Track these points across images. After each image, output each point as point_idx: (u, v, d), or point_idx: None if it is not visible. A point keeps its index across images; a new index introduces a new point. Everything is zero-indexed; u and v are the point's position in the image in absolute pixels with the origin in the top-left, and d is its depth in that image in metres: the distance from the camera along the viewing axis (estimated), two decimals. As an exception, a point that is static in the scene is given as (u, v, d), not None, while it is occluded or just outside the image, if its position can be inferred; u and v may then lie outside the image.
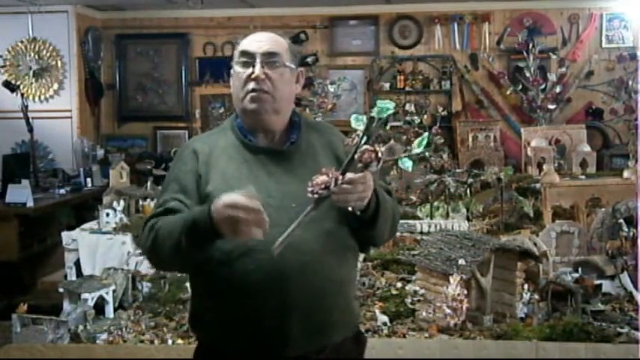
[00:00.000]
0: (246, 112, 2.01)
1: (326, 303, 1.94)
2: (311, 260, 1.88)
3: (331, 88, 5.71)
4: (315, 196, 1.75)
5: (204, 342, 2.07)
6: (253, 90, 1.98)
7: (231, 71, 2.07)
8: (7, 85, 6.55)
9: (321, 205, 1.77)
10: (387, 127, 6.74)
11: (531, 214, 4.67)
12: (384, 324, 3.18)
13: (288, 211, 1.88)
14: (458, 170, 5.46)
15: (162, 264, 2.06)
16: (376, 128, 1.78)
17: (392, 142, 5.35)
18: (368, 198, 1.85)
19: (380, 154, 1.76)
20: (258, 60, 1.98)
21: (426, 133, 1.97)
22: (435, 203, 4.90)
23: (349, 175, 1.77)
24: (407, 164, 1.80)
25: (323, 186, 1.75)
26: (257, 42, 2.02)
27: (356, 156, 1.77)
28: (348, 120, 1.84)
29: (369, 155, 1.76)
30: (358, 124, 1.79)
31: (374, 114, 1.77)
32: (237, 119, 2.09)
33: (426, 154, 5.56)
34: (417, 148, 1.82)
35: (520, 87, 6.96)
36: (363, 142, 1.77)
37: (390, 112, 1.77)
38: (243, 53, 2.02)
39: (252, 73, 1.97)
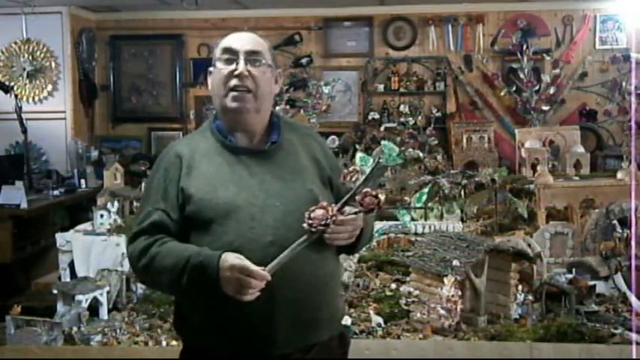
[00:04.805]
0: (227, 110, 2.01)
1: (313, 300, 1.95)
2: (297, 258, 1.88)
3: (325, 90, 5.70)
4: (313, 229, 1.81)
5: (191, 344, 2.06)
6: (235, 87, 1.98)
7: (210, 69, 2.08)
8: (1, 86, 6.52)
9: (315, 236, 1.83)
10: (382, 128, 6.76)
11: (525, 215, 4.68)
12: (379, 325, 3.18)
13: (272, 211, 1.91)
14: (452, 171, 5.46)
15: (153, 287, 2.06)
16: (379, 172, 1.82)
17: (385, 142, 5.33)
18: (356, 236, 1.93)
19: (381, 202, 1.81)
20: (241, 57, 1.99)
21: (426, 189, 2.04)
22: (430, 204, 4.90)
23: (344, 215, 1.84)
24: (406, 218, 1.86)
25: (323, 222, 1.80)
26: (240, 40, 2.03)
27: (357, 198, 1.83)
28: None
29: (371, 201, 1.82)
30: (363, 164, 1.83)
31: (382, 160, 1.80)
32: (216, 121, 2.09)
33: (420, 155, 5.58)
34: (416, 203, 1.89)
35: (514, 88, 6.98)
36: (364, 182, 1.83)
37: (399, 162, 1.82)
38: (226, 50, 2.02)
39: (235, 69, 1.98)
